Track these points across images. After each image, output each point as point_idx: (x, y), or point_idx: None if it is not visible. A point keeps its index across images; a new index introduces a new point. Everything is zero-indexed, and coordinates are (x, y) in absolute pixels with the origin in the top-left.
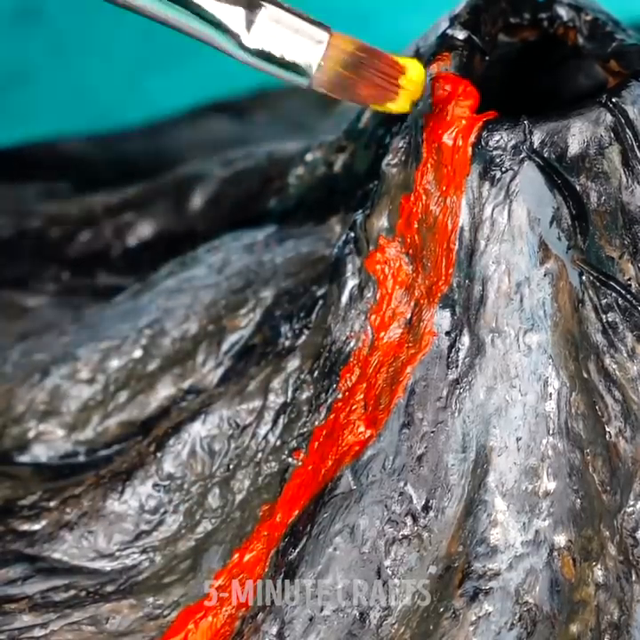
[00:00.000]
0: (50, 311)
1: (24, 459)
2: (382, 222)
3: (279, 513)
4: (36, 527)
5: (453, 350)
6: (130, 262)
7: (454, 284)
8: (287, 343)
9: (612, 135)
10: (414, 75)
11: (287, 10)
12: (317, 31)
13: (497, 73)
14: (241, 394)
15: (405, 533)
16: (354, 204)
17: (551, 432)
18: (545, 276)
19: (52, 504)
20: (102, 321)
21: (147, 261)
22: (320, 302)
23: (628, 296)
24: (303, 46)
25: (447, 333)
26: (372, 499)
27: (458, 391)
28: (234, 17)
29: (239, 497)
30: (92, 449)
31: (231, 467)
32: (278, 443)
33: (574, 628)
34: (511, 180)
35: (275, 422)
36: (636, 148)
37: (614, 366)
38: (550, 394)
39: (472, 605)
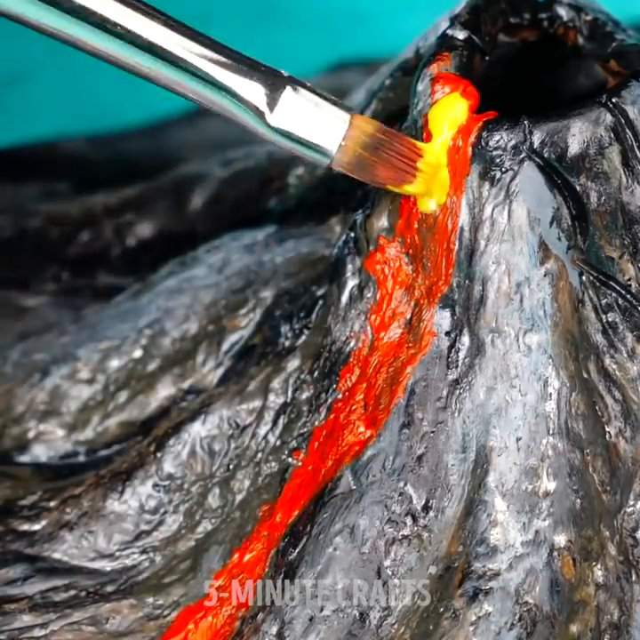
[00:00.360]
0: (50, 311)
1: (24, 459)
2: (382, 222)
3: (279, 513)
4: (36, 527)
5: (453, 350)
6: (130, 262)
7: (454, 284)
8: (287, 343)
9: (612, 135)
10: (432, 158)
11: (310, 90)
12: (339, 112)
13: (497, 73)
14: (241, 394)
15: (405, 533)
16: (354, 204)
17: (551, 432)
18: (545, 276)
19: (52, 504)
20: (102, 321)
21: (147, 261)
22: (320, 302)
23: (628, 296)
24: (325, 127)
25: (447, 333)
26: (372, 499)
27: (458, 391)
28: (258, 95)
29: (239, 497)
30: (92, 449)
31: (231, 467)
32: (278, 443)
33: (574, 628)
34: (511, 180)
35: (275, 422)
36: (636, 147)
37: (614, 366)
38: (550, 394)
39: (472, 605)
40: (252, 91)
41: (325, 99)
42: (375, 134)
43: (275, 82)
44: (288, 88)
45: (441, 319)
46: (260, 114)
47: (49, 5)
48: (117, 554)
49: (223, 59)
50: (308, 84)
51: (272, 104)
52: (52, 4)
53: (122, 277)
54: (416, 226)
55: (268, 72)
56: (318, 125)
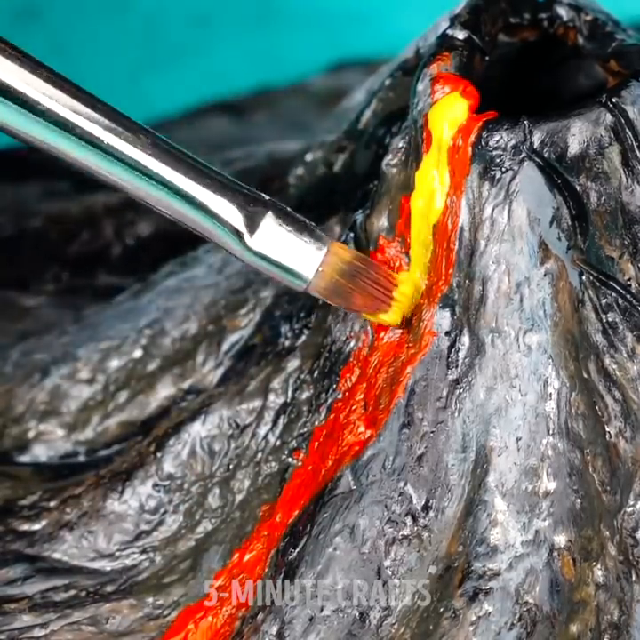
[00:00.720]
0: (50, 311)
1: (24, 459)
2: (382, 222)
3: (279, 513)
4: (36, 527)
5: (453, 350)
6: (130, 262)
7: (454, 284)
8: (287, 343)
9: (612, 135)
10: (407, 288)
11: (290, 215)
12: (318, 238)
13: (497, 73)
14: (241, 394)
15: (405, 533)
16: (354, 204)
17: (551, 432)
18: (545, 275)
19: (52, 504)
20: (102, 321)
21: (147, 261)
22: (320, 302)
23: (628, 296)
24: (303, 252)
25: (447, 333)
26: (371, 499)
27: (458, 391)
28: (238, 218)
29: (239, 497)
30: (92, 449)
31: (231, 467)
32: (278, 443)
33: (574, 628)
34: (511, 180)
35: (275, 422)
36: (636, 147)
37: (614, 366)
38: (550, 394)
39: (472, 605)
40: (233, 213)
41: (304, 224)
42: (352, 262)
43: (255, 205)
44: (269, 212)
45: (441, 319)
46: (239, 236)
47: (36, 117)
48: (117, 554)
49: (206, 180)
50: (288, 209)
51: (252, 227)
52: (38, 114)
53: (122, 277)
54: None
55: (250, 195)
56: (296, 250)
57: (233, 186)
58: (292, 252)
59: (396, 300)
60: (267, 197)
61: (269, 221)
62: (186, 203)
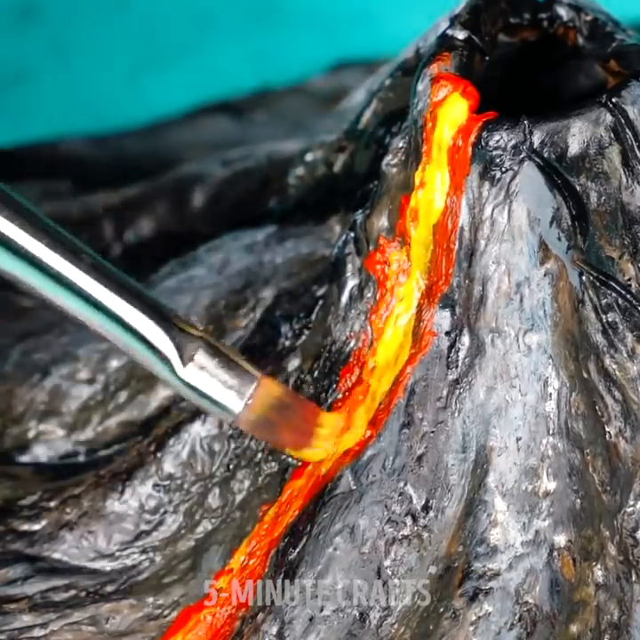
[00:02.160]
0: (50, 311)
1: (24, 459)
2: (382, 222)
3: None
4: (36, 527)
5: (453, 350)
6: (130, 262)
7: (454, 284)
8: (287, 343)
9: (612, 135)
10: (332, 427)
11: (222, 348)
12: (248, 372)
13: (497, 73)
14: None
15: (405, 533)
16: (354, 204)
17: (551, 432)
18: (545, 276)
19: (52, 504)
20: None
21: (147, 261)
22: (320, 302)
23: (628, 296)
24: (233, 385)
25: (447, 333)
26: (372, 499)
27: (458, 391)
28: (171, 348)
29: (239, 497)
30: (92, 449)
31: (231, 467)
32: None
33: (574, 628)
34: (511, 180)
35: None
36: (636, 147)
37: (614, 366)
38: (550, 394)
39: (472, 605)
40: (166, 342)
41: (235, 359)
42: (282, 397)
43: (188, 337)
44: (201, 345)
45: (441, 319)
46: (171, 365)
47: None
48: (117, 554)
49: (144, 307)
50: (221, 343)
51: (184, 358)
52: None
53: None
54: None
55: (184, 326)
56: (227, 383)
57: (169, 316)
58: (223, 385)
59: (320, 437)
60: (200, 330)
61: (201, 354)
62: (124, 328)
